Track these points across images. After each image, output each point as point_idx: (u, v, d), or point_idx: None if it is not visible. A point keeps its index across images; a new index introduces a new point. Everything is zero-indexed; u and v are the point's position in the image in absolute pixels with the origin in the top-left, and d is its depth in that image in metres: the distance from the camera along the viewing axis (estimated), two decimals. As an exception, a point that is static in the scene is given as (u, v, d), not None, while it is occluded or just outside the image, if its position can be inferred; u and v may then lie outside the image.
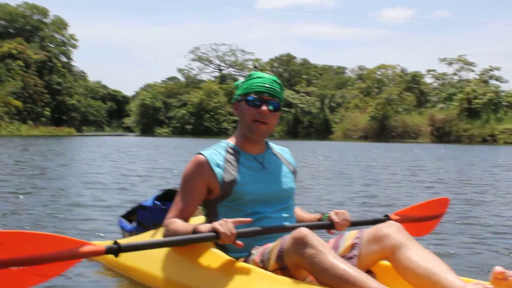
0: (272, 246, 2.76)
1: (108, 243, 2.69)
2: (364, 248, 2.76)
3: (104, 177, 11.35)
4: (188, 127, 75.43)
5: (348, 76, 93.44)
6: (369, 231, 2.80)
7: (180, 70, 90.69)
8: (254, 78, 3.09)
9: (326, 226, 3.08)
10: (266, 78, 3.07)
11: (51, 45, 78.10)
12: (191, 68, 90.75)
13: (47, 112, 65.20)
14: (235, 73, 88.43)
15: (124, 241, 2.74)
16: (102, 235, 5.24)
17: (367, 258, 2.75)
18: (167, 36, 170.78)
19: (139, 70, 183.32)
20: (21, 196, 8.01)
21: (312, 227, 3.03)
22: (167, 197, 3.86)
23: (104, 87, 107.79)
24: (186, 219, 3.03)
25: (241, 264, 2.79)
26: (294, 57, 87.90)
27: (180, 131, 75.10)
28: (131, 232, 3.92)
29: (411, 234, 2.74)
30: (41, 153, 20.33)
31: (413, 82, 76.65)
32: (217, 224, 2.76)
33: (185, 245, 2.95)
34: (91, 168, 13.83)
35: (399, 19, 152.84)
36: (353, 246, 2.79)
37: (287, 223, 3.02)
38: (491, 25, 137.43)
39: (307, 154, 24.37)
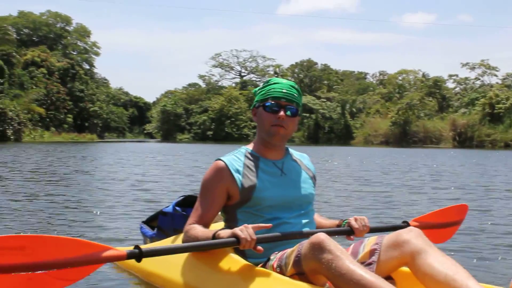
0: (290, 252, 2.76)
1: (129, 248, 2.71)
2: (383, 254, 2.74)
3: (124, 183, 11.42)
4: (209, 133, 75.62)
5: (369, 82, 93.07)
6: (388, 237, 2.78)
7: (201, 77, 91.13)
8: (272, 84, 3.10)
9: (346, 232, 3.08)
10: (283, 84, 3.08)
11: (73, 53, 78.99)
12: (212, 75, 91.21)
13: (70, 118, 65.87)
14: (256, 79, 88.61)
15: (145, 247, 2.76)
16: (122, 241, 5.26)
17: (387, 264, 2.74)
18: (188, 43, 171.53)
19: (160, 76, 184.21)
20: (42, 202, 8.10)
21: (331, 233, 3.03)
22: (187, 203, 3.87)
23: (126, 93, 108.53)
24: (206, 225, 3.03)
25: (259, 269, 2.80)
26: (315, 63, 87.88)
27: (201, 137, 75.32)
28: (152, 238, 3.94)
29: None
30: (62, 159, 20.51)
31: (434, 87, 76.13)
32: (238, 230, 2.77)
33: (206, 251, 2.97)
34: (112, 174, 13.91)
35: (420, 24, 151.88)
36: (372, 252, 2.77)
37: (306, 229, 3.01)
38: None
39: (327, 160, 24.30)
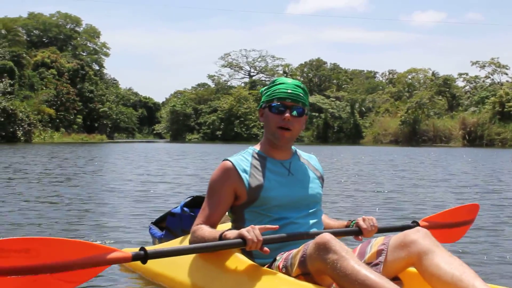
0: (295, 252, 2.75)
1: (136, 250, 2.71)
2: (390, 254, 2.72)
3: (132, 184, 11.44)
4: (218, 133, 75.74)
5: (379, 81, 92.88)
6: (395, 237, 2.76)
7: (210, 77, 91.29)
8: (277, 84, 3.09)
9: (354, 232, 3.07)
10: (288, 84, 3.07)
11: (83, 54, 79.34)
12: (221, 75, 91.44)
13: (79, 119, 66.17)
14: (265, 79, 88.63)
15: (151, 248, 2.75)
16: (130, 242, 5.26)
17: (394, 264, 2.72)
18: (197, 43, 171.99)
19: (169, 76, 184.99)
20: (49, 203, 8.11)
21: (339, 234, 3.03)
22: (195, 203, 3.86)
23: (135, 94, 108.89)
24: (213, 225, 3.03)
25: (265, 270, 2.79)
26: (324, 62, 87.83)
27: (210, 137, 75.45)
28: (161, 239, 3.94)
29: (440, 241, 2.70)
30: (70, 160, 20.59)
31: (444, 85, 75.88)
32: (244, 231, 2.76)
33: (212, 252, 2.96)
34: (120, 175, 13.95)
35: (430, 23, 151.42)
36: (379, 253, 2.75)
37: (314, 229, 3.00)
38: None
39: (336, 159, 24.25)
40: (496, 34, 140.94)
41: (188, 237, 3.13)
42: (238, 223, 3.05)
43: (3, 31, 63.33)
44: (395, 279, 2.70)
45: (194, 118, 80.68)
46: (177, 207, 3.94)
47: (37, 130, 53.40)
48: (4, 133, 47.46)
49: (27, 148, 33.47)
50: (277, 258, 2.89)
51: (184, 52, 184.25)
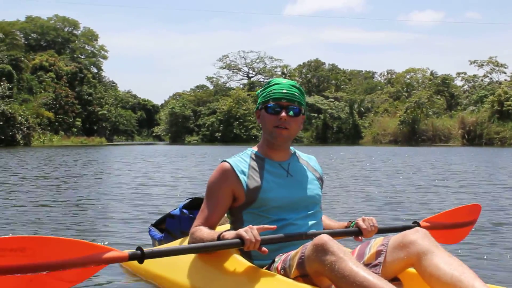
0: (294, 254, 2.74)
1: (131, 250, 2.70)
2: (389, 255, 2.70)
3: (131, 186, 11.43)
4: (217, 134, 75.78)
5: (377, 81, 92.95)
6: (394, 237, 2.75)
7: (209, 78, 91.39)
8: (272, 85, 3.08)
9: (354, 233, 3.06)
10: (283, 84, 3.07)
11: (81, 57, 79.38)
12: (220, 76, 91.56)
13: (78, 122, 66.21)
14: (263, 80, 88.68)
15: (147, 249, 2.74)
16: (130, 244, 5.24)
17: (393, 265, 2.70)
18: (196, 45, 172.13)
19: (168, 79, 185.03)
20: (48, 205, 8.11)
21: (339, 234, 3.03)
22: (194, 205, 3.86)
23: (134, 96, 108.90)
24: (212, 226, 3.02)
25: (263, 271, 2.78)
26: (323, 63, 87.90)
27: (209, 139, 75.49)
28: (160, 241, 3.94)
29: (442, 242, 2.69)
30: (69, 163, 20.58)
31: (443, 85, 75.95)
32: (242, 231, 2.76)
33: (210, 252, 2.95)
34: (119, 177, 13.95)
35: (428, 22, 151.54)
36: (378, 253, 2.73)
37: (313, 230, 2.99)
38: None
39: (335, 159, 24.24)
40: (494, 33, 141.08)
41: (187, 238, 3.13)
42: (236, 225, 3.05)
43: (1, 35, 63.37)
44: (394, 279, 2.69)
45: (193, 120, 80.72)
46: (176, 209, 3.94)
47: (36, 133, 53.40)
48: (3, 137, 47.43)
49: (27, 151, 33.45)
50: (276, 259, 2.88)
51: (183, 54, 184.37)
